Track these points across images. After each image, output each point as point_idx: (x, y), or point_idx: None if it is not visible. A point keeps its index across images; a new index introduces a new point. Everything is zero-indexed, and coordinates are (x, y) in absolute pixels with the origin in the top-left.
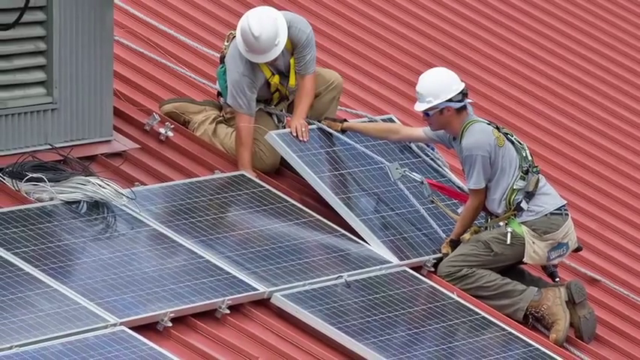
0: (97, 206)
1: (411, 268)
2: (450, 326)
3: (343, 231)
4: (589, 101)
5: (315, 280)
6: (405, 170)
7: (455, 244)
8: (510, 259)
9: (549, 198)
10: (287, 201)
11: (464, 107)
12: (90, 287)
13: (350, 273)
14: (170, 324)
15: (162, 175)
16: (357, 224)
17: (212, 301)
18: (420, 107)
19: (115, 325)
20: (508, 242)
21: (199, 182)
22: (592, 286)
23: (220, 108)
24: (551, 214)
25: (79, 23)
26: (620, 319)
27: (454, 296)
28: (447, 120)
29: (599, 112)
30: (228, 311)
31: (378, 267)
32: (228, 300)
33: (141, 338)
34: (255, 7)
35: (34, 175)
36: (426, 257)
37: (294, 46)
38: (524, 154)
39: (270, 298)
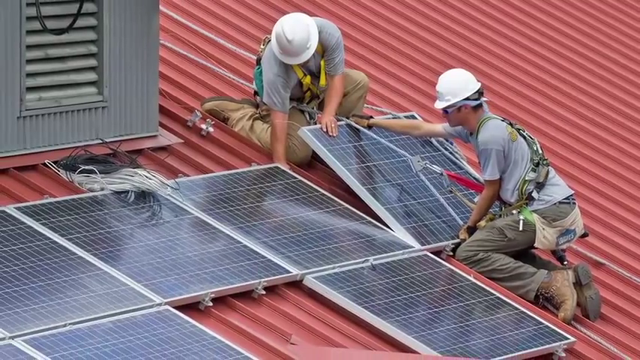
0: (143, 196)
1: (432, 253)
2: (467, 306)
3: (369, 218)
4: (595, 99)
5: (343, 263)
6: (425, 163)
7: (472, 230)
8: (522, 244)
9: (558, 188)
10: (318, 191)
11: (480, 105)
12: (137, 270)
13: (375, 257)
14: (211, 304)
15: (203, 168)
16: (382, 212)
17: (249, 282)
18: (439, 105)
19: (160, 304)
20: (520, 229)
21: (237, 174)
22: (597, 269)
23: (257, 106)
24: (560, 203)
25: (127, 28)
26: (623, 299)
27: (471, 278)
28: (464, 117)
29: (605, 109)
30: (264, 292)
31: (401, 251)
32: (264, 282)
33: (184, 317)
34: (287, 12)
35: (86, 167)
36: (445, 242)
37: (324, 49)
38: (535, 148)
39: (302, 280)
